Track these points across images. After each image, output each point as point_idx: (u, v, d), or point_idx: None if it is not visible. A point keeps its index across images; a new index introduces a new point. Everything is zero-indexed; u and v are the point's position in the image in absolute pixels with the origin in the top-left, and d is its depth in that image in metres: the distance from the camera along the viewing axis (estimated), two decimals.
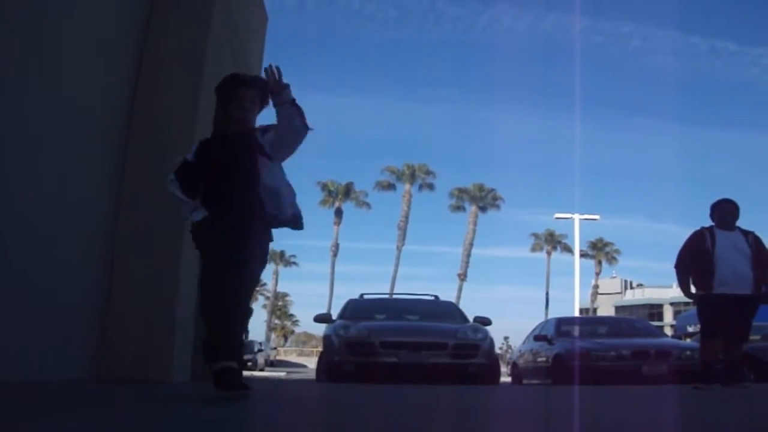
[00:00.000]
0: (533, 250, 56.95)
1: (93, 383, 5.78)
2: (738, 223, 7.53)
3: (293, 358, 55.18)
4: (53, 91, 5.36)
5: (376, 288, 63.72)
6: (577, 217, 34.34)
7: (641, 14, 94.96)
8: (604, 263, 58.71)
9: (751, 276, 7.18)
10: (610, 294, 75.32)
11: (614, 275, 77.08)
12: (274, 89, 4.17)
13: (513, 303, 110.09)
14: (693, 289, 7.48)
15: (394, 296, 17.21)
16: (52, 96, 5.35)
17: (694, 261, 7.39)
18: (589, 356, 10.59)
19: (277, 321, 65.63)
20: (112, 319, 6.42)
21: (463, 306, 14.40)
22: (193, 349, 7.22)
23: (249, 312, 4.66)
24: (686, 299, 8.01)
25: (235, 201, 4.18)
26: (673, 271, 7.64)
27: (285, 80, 4.17)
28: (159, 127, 6.87)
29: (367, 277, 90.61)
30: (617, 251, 58.57)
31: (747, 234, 7.41)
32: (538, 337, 12.93)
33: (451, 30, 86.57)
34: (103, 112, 6.41)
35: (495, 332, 10.99)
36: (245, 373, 4.23)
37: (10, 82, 4.79)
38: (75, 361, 5.94)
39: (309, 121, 4.23)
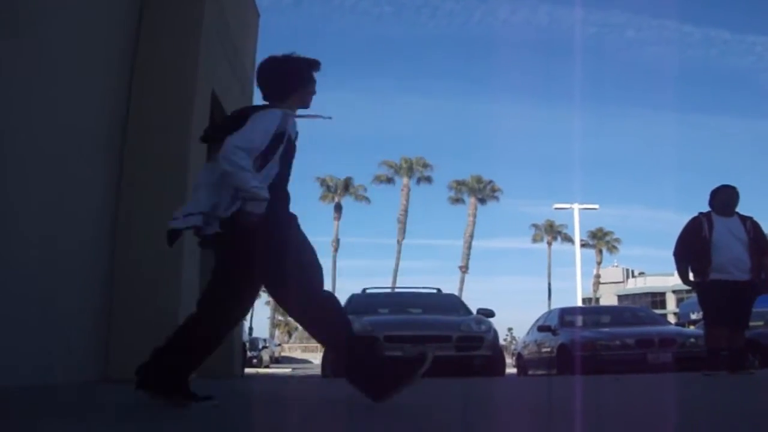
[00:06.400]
0: (534, 240, 57.05)
1: (101, 384, 5.79)
2: (737, 210, 7.49)
3: (298, 354, 55.13)
4: (48, 96, 5.37)
5: (378, 282, 63.79)
6: (576, 206, 34.32)
7: (634, 4, 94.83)
8: (604, 252, 58.86)
9: (749, 262, 7.14)
10: (612, 283, 75.37)
11: (616, 264, 77.18)
12: None
13: (515, 294, 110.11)
14: (692, 277, 7.46)
15: (397, 290, 17.21)
16: (48, 100, 5.36)
17: (692, 248, 7.35)
18: (594, 346, 10.60)
19: (280, 317, 65.45)
20: (115, 320, 6.43)
21: (465, 298, 14.48)
22: None
23: None
24: (688, 287, 7.99)
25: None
26: (673, 259, 7.63)
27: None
28: (155, 128, 6.86)
29: (369, 272, 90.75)
30: (617, 240, 58.70)
31: (745, 220, 7.35)
32: (542, 327, 12.93)
33: (447, 24, 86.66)
34: (99, 114, 6.41)
35: (498, 324, 10.96)
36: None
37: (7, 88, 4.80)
38: (81, 363, 5.95)
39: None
